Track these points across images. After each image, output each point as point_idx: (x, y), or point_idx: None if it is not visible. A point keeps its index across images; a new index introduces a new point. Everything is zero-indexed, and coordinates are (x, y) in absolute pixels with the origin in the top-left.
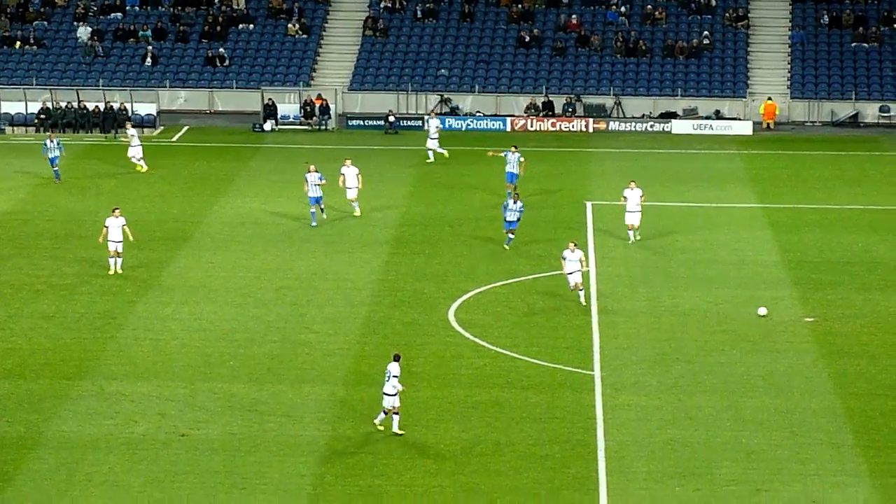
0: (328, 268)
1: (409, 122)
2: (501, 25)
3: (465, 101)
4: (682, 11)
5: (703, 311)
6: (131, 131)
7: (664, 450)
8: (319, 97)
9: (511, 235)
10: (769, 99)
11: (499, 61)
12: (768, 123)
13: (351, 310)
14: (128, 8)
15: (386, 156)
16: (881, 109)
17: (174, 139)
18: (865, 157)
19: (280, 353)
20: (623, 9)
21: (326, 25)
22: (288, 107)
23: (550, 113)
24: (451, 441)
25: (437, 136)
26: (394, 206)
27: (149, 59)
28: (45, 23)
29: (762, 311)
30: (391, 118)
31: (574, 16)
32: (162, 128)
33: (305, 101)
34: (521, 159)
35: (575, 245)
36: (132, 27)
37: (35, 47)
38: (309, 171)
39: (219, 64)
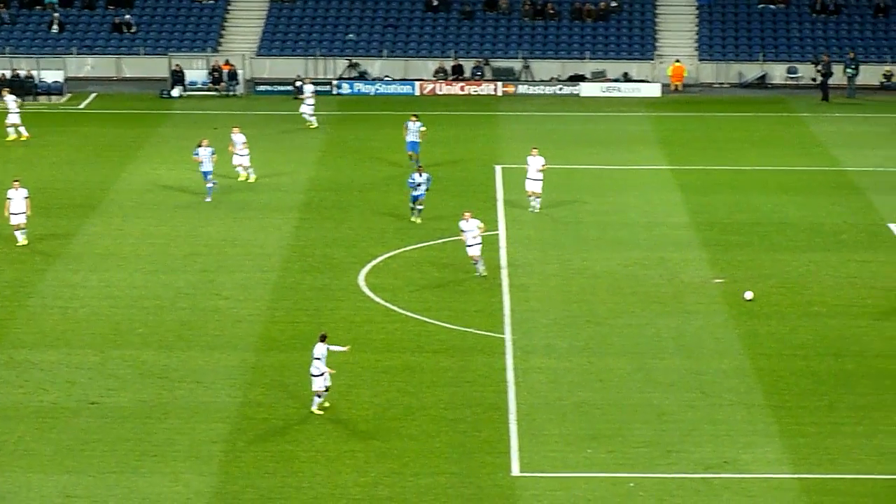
0: (237, 234)
1: (316, 87)
2: None
3: (374, 66)
4: None
5: (614, 274)
6: (8, 98)
7: (575, 412)
8: (227, 63)
9: (419, 207)
10: (677, 61)
11: (407, 25)
12: (676, 85)
13: (261, 275)
14: None
15: (294, 121)
16: (789, 71)
17: (81, 106)
18: (774, 119)
19: (190, 320)
20: None
21: None
22: (196, 73)
23: (459, 77)
24: (363, 406)
25: (312, 101)
26: (303, 171)
27: (55, 27)
28: None
29: (748, 294)
30: (299, 83)
31: None
32: (69, 95)
33: (213, 66)
34: (423, 128)
35: (470, 215)
36: None
37: None
38: (201, 146)
39: (126, 30)
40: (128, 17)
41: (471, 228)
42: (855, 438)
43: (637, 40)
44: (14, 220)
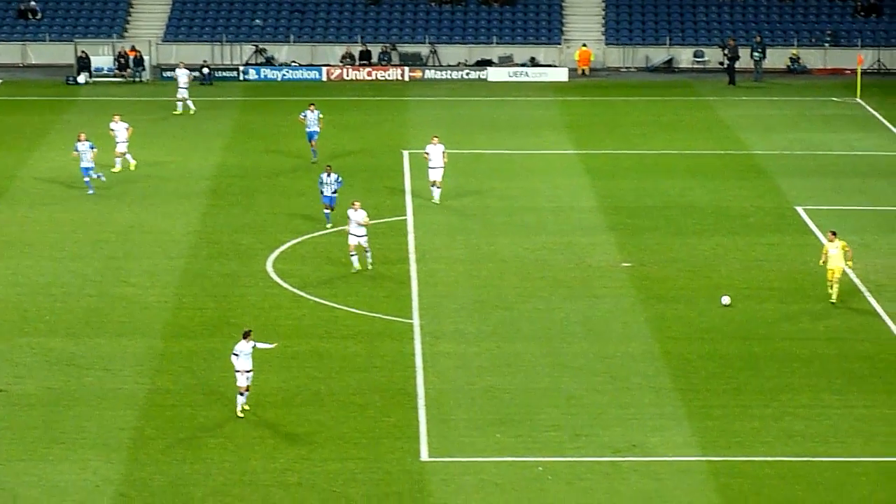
0: (145, 220)
1: (223, 73)
2: None
3: (281, 51)
4: None
5: (522, 258)
6: None
7: (484, 397)
8: (133, 49)
9: (329, 211)
10: (584, 45)
11: (314, 10)
12: (583, 70)
13: (168, 262)
14: None
15: (201, 107)
16: (695, 54)
17: None
18: (680, 103)
19: (97, 307)
20: None
21: None
22: (102, 59)
23: (366, 62)
24: (272, 392)
25: (187, 86)
26: (210, 157)
27: None
28: None
29: (725, 300)
30: (205, 69)
31: None
32: None
33: (119, 52)
34: (321, 116)
35: (359, 204)
36: None
37: None
38: (80, 140)
39: (31, 17)
40: (33, 3)
41: (356, 218)
42: (762, 421)
43: (544, 25)
44: None
